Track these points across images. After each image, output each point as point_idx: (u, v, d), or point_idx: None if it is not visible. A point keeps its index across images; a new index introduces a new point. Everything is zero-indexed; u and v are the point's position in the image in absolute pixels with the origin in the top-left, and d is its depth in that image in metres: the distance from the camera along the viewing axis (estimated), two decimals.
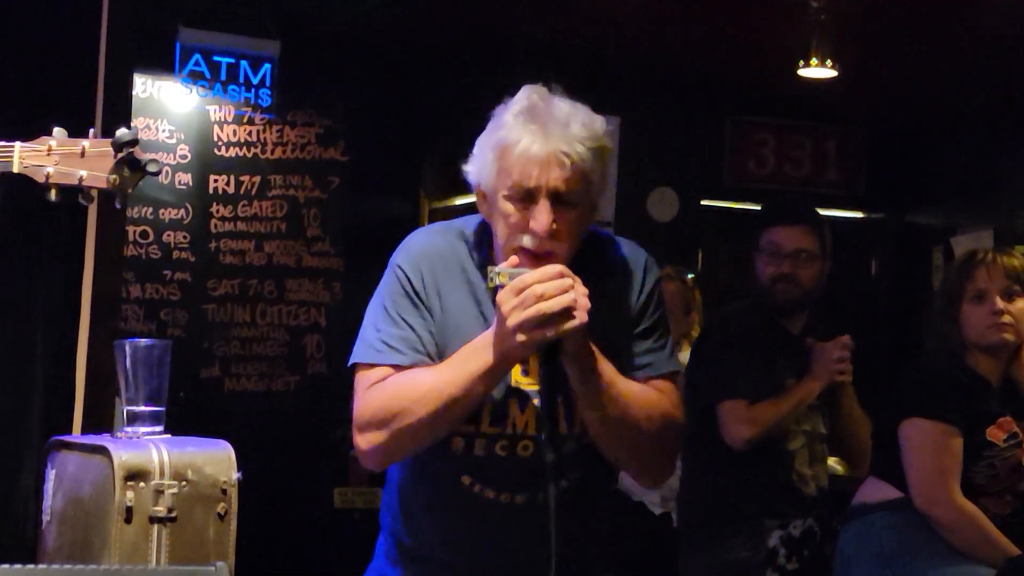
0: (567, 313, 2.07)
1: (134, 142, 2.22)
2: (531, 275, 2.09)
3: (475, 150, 2.29)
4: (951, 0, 5.17)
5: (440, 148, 6.44)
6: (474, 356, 2.18)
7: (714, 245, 6.79)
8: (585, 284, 2.13)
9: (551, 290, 2.07)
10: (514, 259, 2.18)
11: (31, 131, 3.98)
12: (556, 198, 2.17)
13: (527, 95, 2.23)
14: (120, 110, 4.49)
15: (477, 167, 2.29)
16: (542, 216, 2.16)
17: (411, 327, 2.28)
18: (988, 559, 3.33)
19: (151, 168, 2.24)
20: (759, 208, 6.47)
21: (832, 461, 4.15)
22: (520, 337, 2.08)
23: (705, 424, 3.93)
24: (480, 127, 2.40)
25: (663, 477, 2.34)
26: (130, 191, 2.24)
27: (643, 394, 2.23)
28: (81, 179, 2.23)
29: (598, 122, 2.22)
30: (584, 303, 2.09)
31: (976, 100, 6.39)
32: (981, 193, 6.56)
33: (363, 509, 6.11)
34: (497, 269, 2.16)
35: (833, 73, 5.53)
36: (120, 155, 2.22)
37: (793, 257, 4.02)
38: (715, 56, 6.16)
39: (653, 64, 6.33)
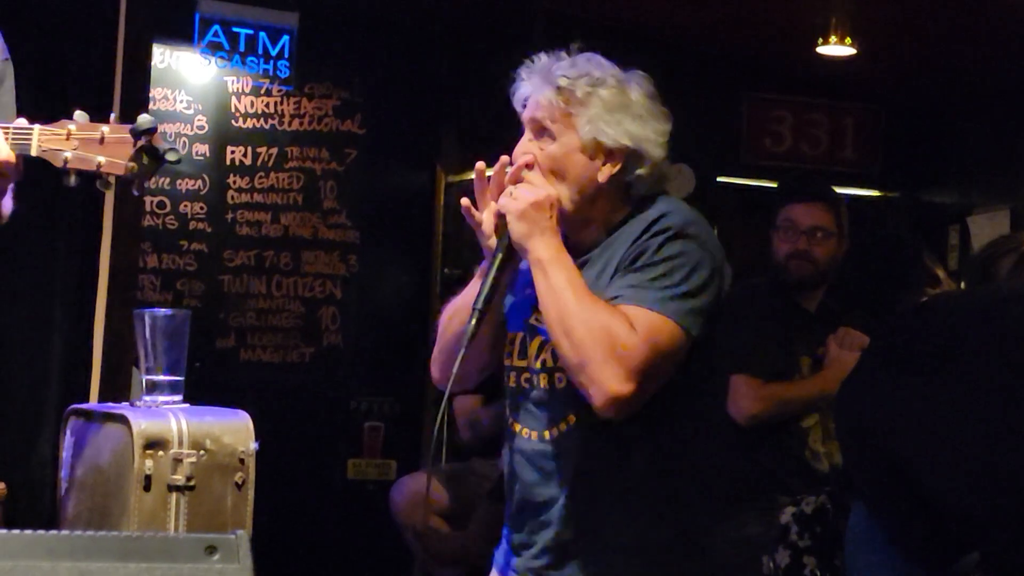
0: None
1: (153, 130, 2.22)
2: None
3: None
4: None
5: (457, 121, 6.44)
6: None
7: (730, 222, 6.77)
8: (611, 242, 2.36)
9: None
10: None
11: (51, 99, 4.00)
12: (536, 130, 2.37)
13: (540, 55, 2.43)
14: (139, 81, 4.51)
15: None
16: (519, 143, 2.38)
17: None
18: None
19: (170, 157, 2.24)
20: (775, 185, 6.47)
21: None
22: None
23: (718, 399, 3.96)
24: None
25: (602, 394, 2.23)
26: (148, 179, 2.24)
27: (594, 305, 2.27)
28: (99, 165, 2.23)
29: (597, 71, 2.38)
30: (519, 195, 2.31)
31: (994, 79, 6.37)
32: (998, 172, 6.54)
33: (376, 480, 6.14)
34: None
35: (852, 51, 5.52)
36: (139, 143, 2.22)
37: (809, 234, 4.05)
38: (733, 33, 6.14)
39: (671, 40, 6.32)
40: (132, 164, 2.22)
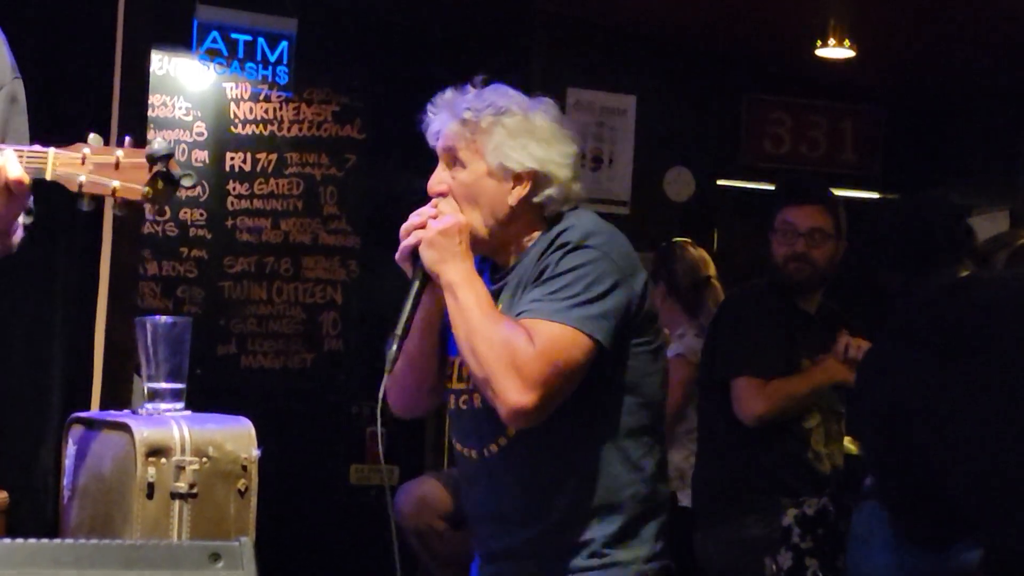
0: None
1: (170, 156, 2.22)
2: None
3: None
4: None
5: None
6: None
7: (730, 224, 6.77)
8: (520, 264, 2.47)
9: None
10: None
11: (50, 107, 4.00)
12: (448, 160, 2.49)
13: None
14: (138, 87, 4.51)
15: None
16: (433, 174, 2.52)
17: None
18: None
19: (185, 183, 2.24)
20: (775, 188, 6.46)
21: (847, 440, 4.16)
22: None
23: (720, 401, 3.96)
24: None
25: (505, 407, 2.32)
26: (163, 204, 2.24)
27: (496, 322, 2.36)
28: (114, 190, 2.22)
29: (501, 100, 2.49)
30: (431, 223, 2.41)
31: (994, 80, 6.37)
32: (998, 174, 6.55)
33: (378, 486, 6.14)
34: None
35: (850, 53, 5.53)
36: (155, 168, 2.21)
37: (807, 236, 4.06)
38: (732, 35, 6.15)
39: (669, 43, 6.32)
40: (147, 189, 2.22)
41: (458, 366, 2.53)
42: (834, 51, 5.58)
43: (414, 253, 2.44)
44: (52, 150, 2.25)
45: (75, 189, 2.23)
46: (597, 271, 2.39)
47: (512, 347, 2.31)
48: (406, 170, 6.40)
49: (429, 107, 2.53)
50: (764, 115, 6.89)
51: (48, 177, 2.26)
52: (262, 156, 6.14)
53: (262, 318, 6.13)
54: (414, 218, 2.46)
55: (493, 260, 2.56)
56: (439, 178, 2.51)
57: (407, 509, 4.67)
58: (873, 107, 7.06)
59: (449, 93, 2.53)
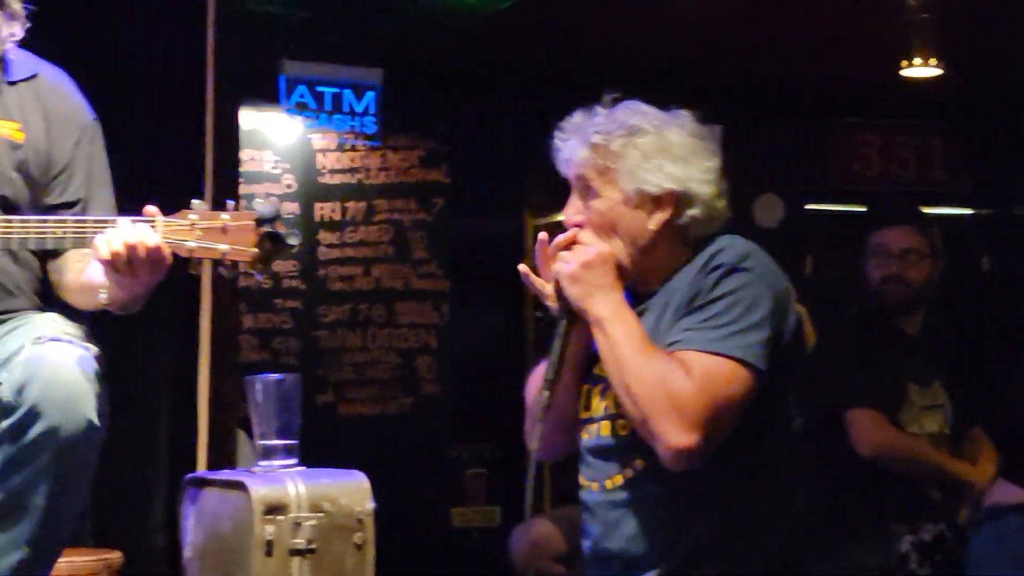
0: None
1: (276, 217, 2.24)
2: None
3: None
4: None
5: (543, 165, 6.44)
6: None
7: (822, 249, 6.72)
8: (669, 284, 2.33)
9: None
10: None
11: (142, 167, 4.06)
12: (581, 189, 2.39)
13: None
14: (229, 144, 4.58)
15: None
16: (567, 205, 2.42)
17: None
18: None
19: (291, 241, 2.26)
20: (864, 209, 6.42)
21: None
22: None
23: (829, 430, 3.92)
24: None
25: (665, 449, 2.19)
26: (271, 264, 2.27)
27: (649, 358, 2.22)
28: (224, 254, 2.26)
29: (632, 120, 2.37)
30: (570, 257, 2.33)
31: None
32: None
33: (481, 527, 6.13)
34: None
35: (937, 71, 5.46)
36: (263, 230, 2.24)
37: (901, 257, 4.05)
38: (816, 59, 6.11)
39: (754, 70, 6.30)
40: (256, 251, 2.24)
41: (586, 394, 2.42)
42: (919, 70, 5.51)
43: (559, 290, 2.34)
44: (160, 218, 2.29)
45: (185, 255, 2.26)
46: (753, 295, 2.25)
47: (669, 385, 2.18)
48: (493, 211, 6.43)
49: (557, 133, 2.41)
50: (851, 137, 6.84)
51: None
52: (351, 205, 6.18)
53: (358, 365, 6.16)
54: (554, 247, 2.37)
55: (634, 289, 2.41)
56: (575, 208, 2.40)
57: (521, 552, 4.66)
58: (961, 124, 6.98)
59: (578, 116, 2.41)
